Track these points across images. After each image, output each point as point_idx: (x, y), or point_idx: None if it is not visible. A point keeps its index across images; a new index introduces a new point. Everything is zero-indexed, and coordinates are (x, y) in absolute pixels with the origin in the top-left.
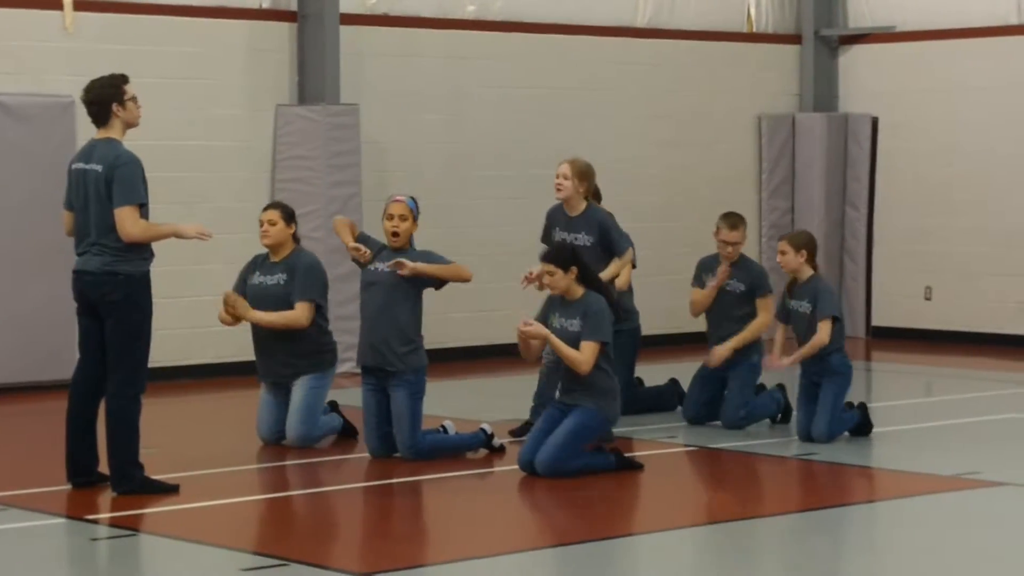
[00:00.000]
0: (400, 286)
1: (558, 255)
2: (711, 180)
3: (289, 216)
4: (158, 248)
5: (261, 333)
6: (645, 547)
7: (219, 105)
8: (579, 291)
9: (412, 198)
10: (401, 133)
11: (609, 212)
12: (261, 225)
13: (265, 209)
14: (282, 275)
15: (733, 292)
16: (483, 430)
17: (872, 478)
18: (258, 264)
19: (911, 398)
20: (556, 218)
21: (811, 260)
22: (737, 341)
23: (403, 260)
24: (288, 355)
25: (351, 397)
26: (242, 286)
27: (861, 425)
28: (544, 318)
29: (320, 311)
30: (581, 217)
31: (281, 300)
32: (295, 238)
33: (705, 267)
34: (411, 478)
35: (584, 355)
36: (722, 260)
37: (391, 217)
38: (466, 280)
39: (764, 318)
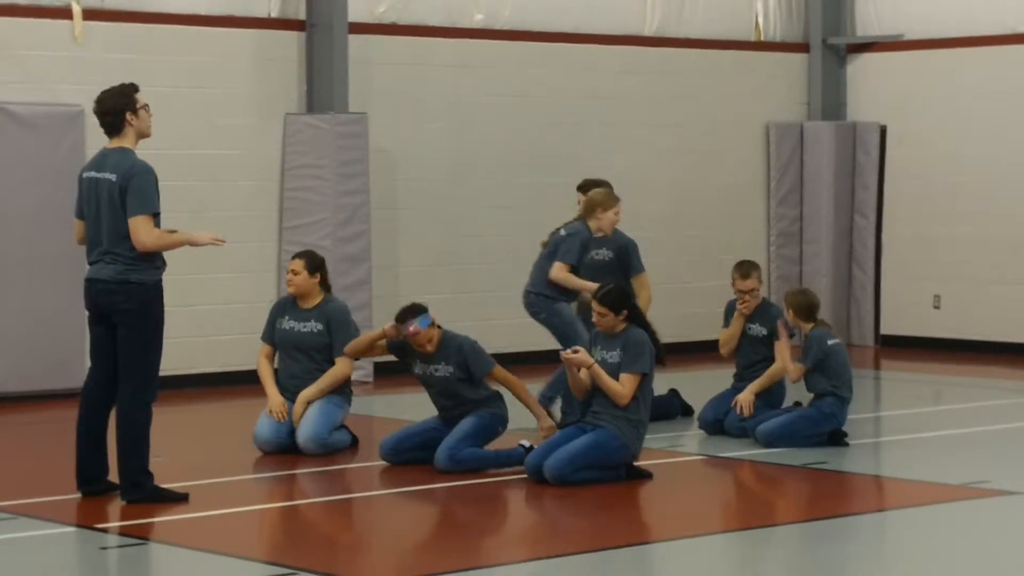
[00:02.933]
0: (459, 381)
1: (611, 298)
2: (719, 188)
3: (314, 266)
4: (166, 256)
5: (293, 368)
6: (654, 556)
7: (228, 114)
8: (622, 326)
9: (425, 315)
10: (409, 141)
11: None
12: (287, 273)
13: (293, 257)
14: (316, 323)
15: (756, 336)
16: (522, 445)
17: (881, 487)
18: (287, 308)
19: (920, 407)
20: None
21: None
22: (756, 386)
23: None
24: (314, 381)
25: (362, 406)
26: (272, 330)
27: (835, 436)
28: (587, 351)
29: None
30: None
31: (314, 347)
32: (326, 286)
33: (731, 309)
34: (421, 487)
35: (625, 387)
36: (737, 307)
37: (420, 344)
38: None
39: (780, 364)
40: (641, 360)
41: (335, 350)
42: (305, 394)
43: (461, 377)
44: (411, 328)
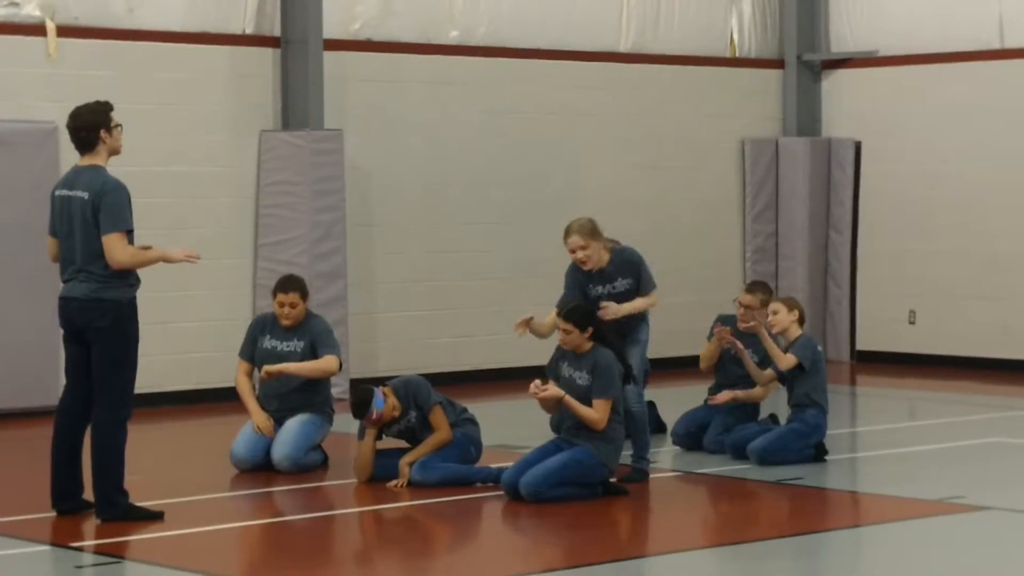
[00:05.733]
0: (422, 423)
1: (577, 315)
2: (695, 204)
3: (306, 293)
4: (141, 274)
5: (273, 387)
6: (628, 573)
7: (203, 131)
8: (588, 345)
9: (374, 396)
10: (385, 158)
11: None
12: (282, 306)
13: (285, 291)
14: (299, 342)
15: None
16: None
17: (857, 502)
18: (267, 327)
19: (895, 422)
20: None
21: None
22: (741, 395)
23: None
24: (293, 399)
25: (336, 423)
26: (251, 347)
27: (820, 450)
28: (554, 366)
29: None
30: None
31: None
32: None
33: (721, 324)
34: (396, 504)
35: (599, 413)
36: (739, 317)
37: (390, 416)
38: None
39: (763, 392)
40: (612, 385)
41: (320, 352)
42: (289, 367)
43: (422, 419)
44: (375, 417)
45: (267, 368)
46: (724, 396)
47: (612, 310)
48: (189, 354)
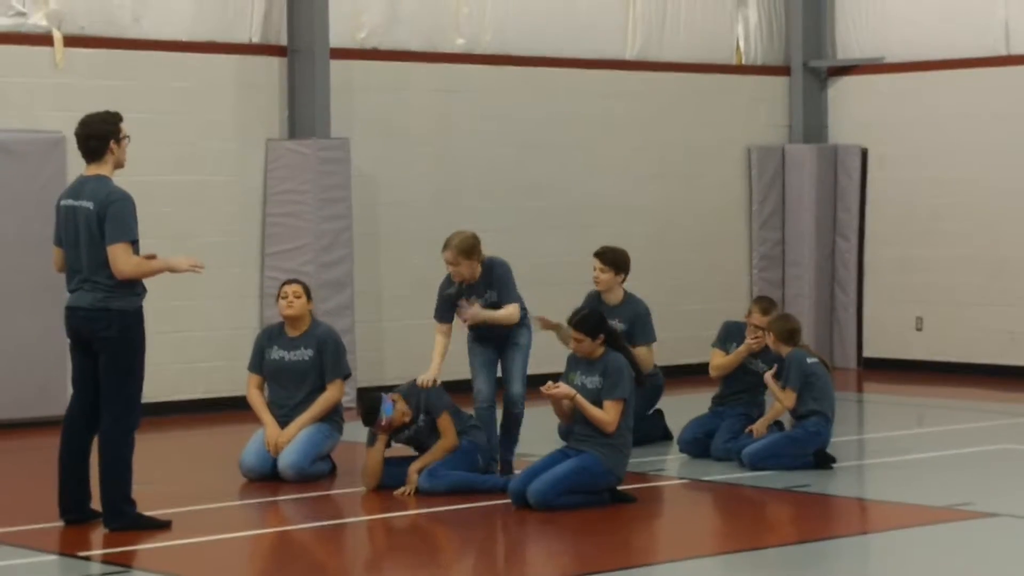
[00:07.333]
0: (430, 430)
1: (588, 324)
2: (701, 212)
3: (309, 293)
4: (147, 283)
5: (283, 397)
6: None
7: (209, 140)
8: (601, 351)
9: (382, 402)
10: (391, 166)
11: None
12: (285, 297)
13: (288, 283)
14: (307, 351)
15: (758, 373)
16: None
17: (864, 510)
18: (273, 337)
19: (903, 429)
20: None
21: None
22: (766, 421)
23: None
24: (303, 410)
25: (348, 431)
26: (260, 360)
27: (821, 460)
28: (566, 376)
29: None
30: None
31: (306, 375)
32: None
33: (731, 333)
34: (404, 512)
35: (609, 415)
36: (748, 336)
37: (400, 423)
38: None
39: (783, 403)
40: (622, 385)
41: (326, 375)
42: (299, 421)
43: (430, 424)
44: (384, 423)
45: (277, 446)
46: (762, 429)
47: (471, 312)
48: (196, 363)
